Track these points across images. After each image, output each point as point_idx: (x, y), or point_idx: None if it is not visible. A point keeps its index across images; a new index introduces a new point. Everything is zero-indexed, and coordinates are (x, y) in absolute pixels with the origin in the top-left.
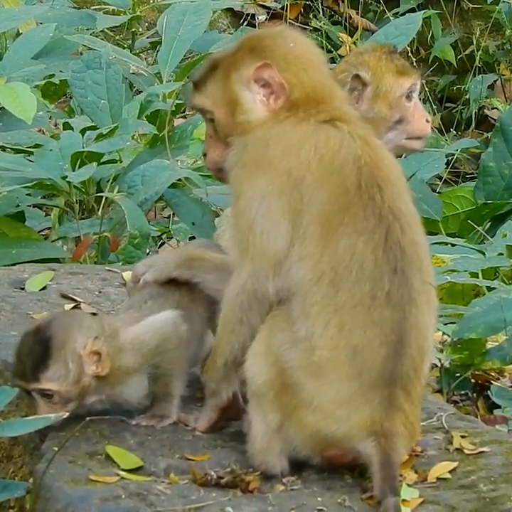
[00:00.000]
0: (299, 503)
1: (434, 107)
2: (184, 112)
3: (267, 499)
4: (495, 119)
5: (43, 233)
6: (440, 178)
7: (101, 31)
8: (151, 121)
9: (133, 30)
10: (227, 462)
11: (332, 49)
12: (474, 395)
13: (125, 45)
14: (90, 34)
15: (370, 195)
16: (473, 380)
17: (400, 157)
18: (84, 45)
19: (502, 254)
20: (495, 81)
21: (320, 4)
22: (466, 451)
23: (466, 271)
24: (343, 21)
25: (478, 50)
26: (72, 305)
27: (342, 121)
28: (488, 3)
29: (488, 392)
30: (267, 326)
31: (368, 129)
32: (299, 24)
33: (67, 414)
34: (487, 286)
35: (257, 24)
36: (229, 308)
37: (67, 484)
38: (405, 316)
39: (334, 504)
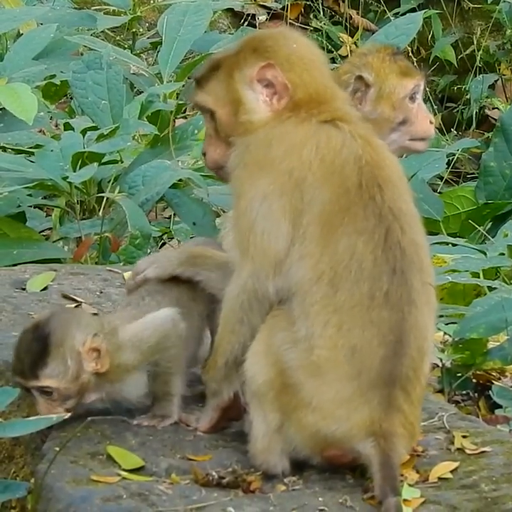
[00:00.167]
0: (301, 503)
1: (435, 107)
2: (185, 112)
3: (269, 499)
4: (495, 119)
5: (44, 234)
6: (441, 178)
7: (101, 32)
8: (151, 121)
9: (133, 30)
10: (228, 462)
11: (332, 49)
12: (476, 394)
13: (126, 46)
14: (91, 35)
15: (370, 195)
16: (474, 380)
17: (401, 157)
18: (85, 46)
19: (503, 254)
20: (495, 81)
21: (320, 4)
22: (468, 451)
23: (467, 271)
24: (344, 21)
25: (478, 50)
26: (73, 305)
27: (343, 121)
28: (489, 3)
29: (490, 392)
30: (267, 326)
31: (369, 129)
32: (299, 24)
33: (69, 414)
34: (488, 286)
35: (257, 24)
36: (229, 308)
37: (68, 484)
38: (404, 316)
39: (335, 504)
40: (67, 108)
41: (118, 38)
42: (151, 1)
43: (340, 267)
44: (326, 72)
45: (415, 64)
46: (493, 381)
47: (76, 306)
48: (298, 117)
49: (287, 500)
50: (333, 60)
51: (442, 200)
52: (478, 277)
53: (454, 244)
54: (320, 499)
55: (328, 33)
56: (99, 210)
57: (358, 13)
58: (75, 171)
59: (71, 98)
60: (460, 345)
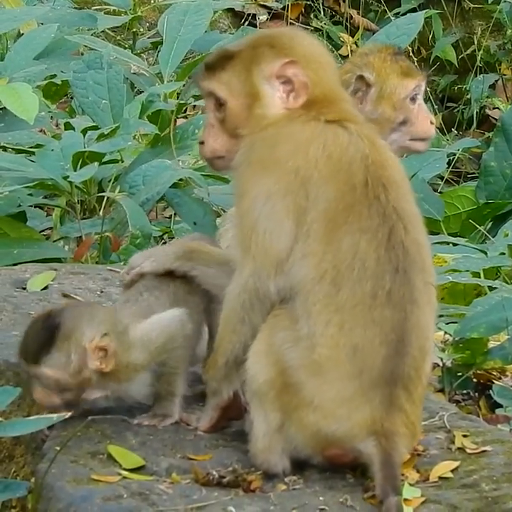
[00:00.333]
0: (301, 503)
1: (436, 106)
2: (185, 112)
3: (269, 498)
4: (496, 119)
5: (45, 233)
6: (441, 177)
7: (102, 31)
8: (152, 121)
9: (134, 30)
10: (229, 462)
11: (333, 49)
12: (476, 394)
13: (126, 46)
14: (91, 34)
15: (375, 195)
16: (475, 380)
17: (401, 157)
18: (86, 46)
19: (504, 253)
20: (496, 81)
21: (321, 4)
22: (468, 451)
23: (467, 270)
24: (344, 21)
25: (479, 50)
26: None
27: (350, 121)
28: (489, 3)
29: (490, 391)
30: (268, 325)
31: (373, 130)
32: (299, 24)
33: (70, 413)
34: (489, 286)
35: (257, 24)
36: (230, 307)
37: (69, 484)
38: (406, 315)
39: (336, 503)
40: (68, 108)
41: (118, 37)
42: (152, 1)
43: (343, 265)
44: (335, 72)
45: (416, 64)
46: (494, 380)
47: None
48: (308, 116)
49: (288, 499)
50: None
51: (443, 200)
52: (479, 277)
53: (454, 244)
54: (320, 498)
55: (329, 33)
56: (99, 210)
57: (358, 13)
58: (75, 171)
59: (72, 98)
60: (461, 345)
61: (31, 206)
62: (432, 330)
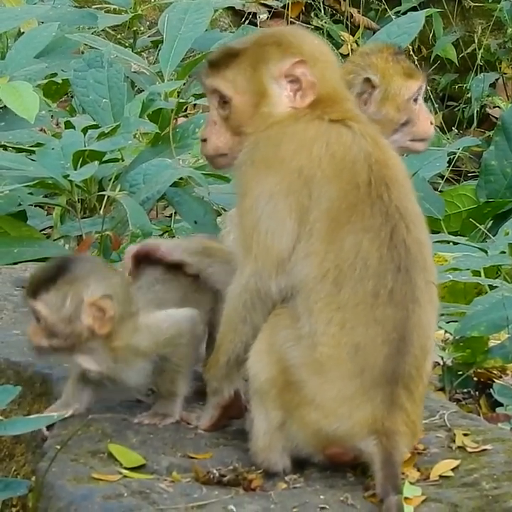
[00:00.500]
0: (302, 501)
1: (436, 105)
2: (186, 110)
3: (270, 497)
4: (496, 118)
5: (45, 232)
6: (442, 176)
7: (102, 30)
8: (152, 119)
9: (134, 29)
10: (229, 460)
11: (334, 48)
12: (477, 393)
13: (126, 44)
14: (92, 33)
15: (378, 194)
16: (475, 378)
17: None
18: (86, 44)
19: (504, 252)
20: (496, 79)
21: (321, 3)
22: (469, 449)
23: (468, 269)
24: (345, 20)
25: (479, 49)
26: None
27: (354, 120)
28: (490, 1)
29: (491, 390)
30: (269, 324)
31: (376, 129)
32: (300, 23)
33: (70, 412)
34: (489, 285)
35: (258, 23)
36: (232, 307)
37: (69, 482)
38: (408, 314)
39: (337, 502)
40: (68, 106)
41: (119, 36)
42: (152, 0)
43: (346, 264)
44: (339, 71)
45: (416, 63)
46: (494, 379)
47: None
48: (312, 115)
49: (288, 498)
50: None
51: (443, 199)
52: (479, 276)
53: (455, 243)
54: (321, 497)
55: (329, 32)
56: (100, 209)
57: (358, 12)
58: (75, 170)
59: (72, 96)
60: (461, 344)
61: (32, 205)
62: (434, 329)
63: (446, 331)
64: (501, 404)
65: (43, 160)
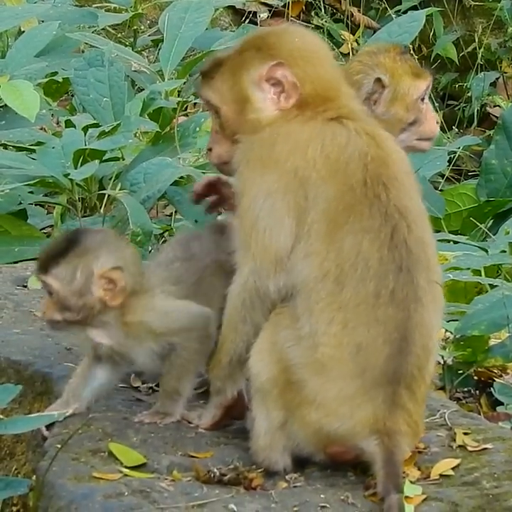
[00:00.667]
0: (302, 500)
1: (436, 104)
2: (186, 109)
3: (270, 496)
4: (497, 117)
5: (46, 231)
6: (442, 175)
7: (103, 29)
8: (153, 118)
9: (135, 28)
10: (230, 459)
11: (334, 47)
12: (477, 392)
13: (127, 43)
14: (92, 32)
15: (375, 194)
16: (476, 377)
17: None
18: (86, 43)
19: (504, 251)
20: (497, 79)
21: (322, 2)
22: (469, 448)
23: (468, 268)
24: (345, 19)
25: (480, 48)
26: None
27: (349, 118)
28: (490, 0)
29: (491, 389)
30: (270, 324)
31: (375, 125)
32: (300, 22)
33: (71, 411)
34: (489, 284)
35: (258, 22)
36: (232, 306)
37: (70, 481)
38: (410, 314)
39: (337, 501)
40: (69, 105)
41: (119, 35)
42: None
43: (347, 265)
44: (331, 65)
45: (417, 62)
46: (495, 378)
47: None
48: (304, 116)
49: (289, 497)
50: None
51: (444, 198)
52: (480, 275)
53: (455, 242)
54: (322, 496)
55: (330, 31)
56: (100, 208)
57: (359, 11)
58: (76, 168)
59: (72, 95)
60: (461, 343)
61: (32, 204)
62: (437, 329)
63: (446, 330)
64: (502, 403)
65: (44, 159)
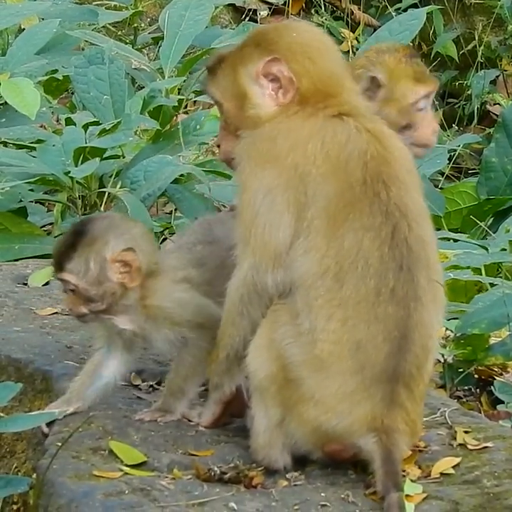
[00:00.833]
0: (303, 499)
1: (436, 102)
2: (186, 107)
3: (271, 494)
4: (497, 115)
5: (46, 229)
6: (442, 173)
7: (103, 27)
8: (153, 116)
9: (135, 25)
10: (230, 457)
11: None
12: (477, 390)
13: (127, 41)
14: (92, 30)
15: (375, 192)
16: (476, 376)
17: None
18: (87, 41)
19: (505, 249)
20: (497, 76)
21: (322, 0)
22: (470, 447)
23: (468, 267)
24: (345, 17)
25: (480, 46)
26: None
27: (350, 115)
28: None
29: (492, 387)
30: (268, 320)
31: (378, 121)
32: (300, 19)
33: (71, 410)
34: (490, 282)
35: (258, 20)
36: (230, 301)
37: (70, 480)
38: (410, 313)
39: (338, 499)
40: (69, 103)
41: (119, 33)
42: None
43: (346, 262)
44: (333, 61)
45: None
46: (495, 377)
47: None
48: (304, 112)
49: (289, 495)
50: None
51: (444, 196)
52: (480, 273)
53: (455, 240)
54: (322, 494)
55: (330, 29)
56: (100, 205)
57: (359, 9)
58: (76, 166)
59: (72, 93)
60: (462, 341)
61: (32, 202)
62: (436, 328)
63: (447, 328)
64: (502, 402)
65: (44, 156)
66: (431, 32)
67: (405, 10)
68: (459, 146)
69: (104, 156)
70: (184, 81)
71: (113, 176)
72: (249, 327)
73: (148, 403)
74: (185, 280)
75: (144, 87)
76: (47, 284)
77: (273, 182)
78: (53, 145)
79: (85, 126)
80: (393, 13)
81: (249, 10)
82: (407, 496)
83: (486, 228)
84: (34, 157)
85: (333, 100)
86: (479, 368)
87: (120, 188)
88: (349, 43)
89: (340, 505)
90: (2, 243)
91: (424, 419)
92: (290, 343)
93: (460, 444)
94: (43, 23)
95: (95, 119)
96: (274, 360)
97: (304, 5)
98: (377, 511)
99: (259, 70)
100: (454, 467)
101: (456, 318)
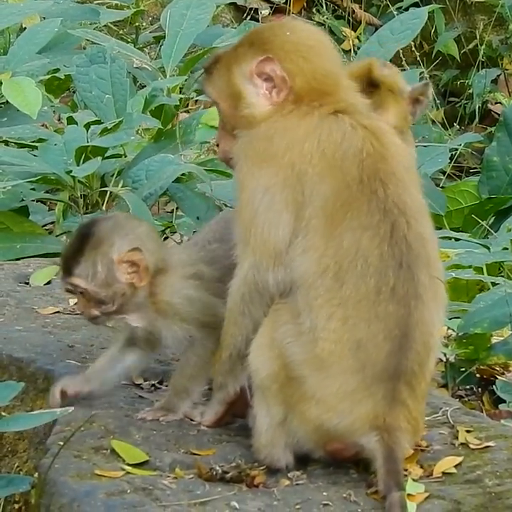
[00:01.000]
0: (305, 498)
1: (438, 101)
2: (187, 106)
3: (273, 494)
4: (498, 114)
5: (47, 228)
6: (444, 172)
7: (104, 26)
8: (155, 115)
9: (136, 24)
10: (232, 457)
11: (335, 44)
12: (479, 389)
13: (129, 40)
14: (94, 29)
15: (372, 190)
16: (478, 375)
17: None
18: (88, 40)
19: (506, 248)
20: (498, 75)
21: None
22: (472, 446)
23: (470, 266)
24: (347, 16)
25: (481, 45)
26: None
27: (346, 113)
28: None
29: (494, 386)
30: (270, 319)
31: (376, 118)
32: (302, 18)
33: (72, 408)
34: (491, 282)
35: (260, 19)
36: (232, 300)
37: (72, 479)
38: (410, 311)
39: (339, 499)
40: (70, 102)
41: (121, 32)
42: None
43: (346, 261)
44: (329, 59)
45: (418, 58)
46: (497, 376)
47: None
48: (300, 110)
49: (291, 494)
50: None
51: (445, 195)
52: (482, 272)
53: (457, 239)
54: (324, 494)
55: (331, 28)
56: (102, 205)
57: (360, 8)
58: (78, 165)
59: (74, 92)
60: (464, 340)
61: (34, 201)
62: (438, 326)
63: (448, 328)
64: (504, 401)
65: (46, 156)
66: (432, 31)
67: (406, 9)
68: (461, 145)
69: (105, 155)
70: (185, 80)
71: (115, 175)
72: (251, 326)
73: (150, 402)
74: (196, 276)
75: (145, 86)
76: (49, 283)
77: (270, 181)
78: (55, 144)
79: (87, 126)
80: (394, 12)
81: (251, 9)
82: (408, 495)
83: (488, 227)
84: (36, 156)
85: (329, 98)
86: (481, 367)
87: (122, 187)
88: (350, 41)
89: (342, 505)
90: (4, 242)
91: (426, 418)
92: (291, 342)
93: (462, 444)
94: (44, 22)
95: (97, 118)
96: (275, 359)
97: (305, 4)
98: (379, 510)
99: (253, 70)
100: (455, 466)
101: (458, 318)
